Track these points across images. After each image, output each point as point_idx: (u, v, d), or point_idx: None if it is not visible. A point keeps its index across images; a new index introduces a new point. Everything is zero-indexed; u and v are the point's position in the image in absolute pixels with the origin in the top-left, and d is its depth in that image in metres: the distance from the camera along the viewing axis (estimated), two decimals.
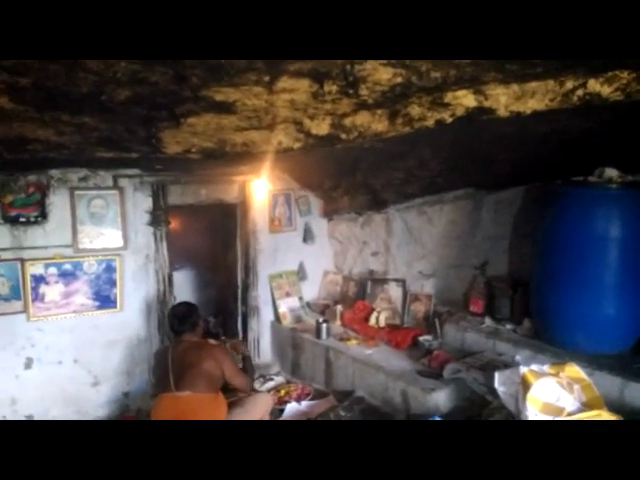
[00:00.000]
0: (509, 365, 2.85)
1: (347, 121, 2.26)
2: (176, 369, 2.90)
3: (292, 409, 3.49)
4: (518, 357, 3.00)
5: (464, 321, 3.66)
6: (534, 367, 2.54)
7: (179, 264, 5.14)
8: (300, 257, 4.71)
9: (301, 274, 4.72)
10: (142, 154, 2.72)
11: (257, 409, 3.10)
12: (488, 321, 3.58)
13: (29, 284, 3.27)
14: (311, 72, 1.75)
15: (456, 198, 3.98)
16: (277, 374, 4.14)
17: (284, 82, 1.82)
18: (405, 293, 4.19)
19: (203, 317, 4.63)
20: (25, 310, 3.28)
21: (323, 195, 4.64)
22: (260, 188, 4.27)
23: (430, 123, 2.12)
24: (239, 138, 2.47)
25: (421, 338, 3.67)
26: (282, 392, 3.73)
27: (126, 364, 3.72)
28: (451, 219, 4.08)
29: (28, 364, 3.36)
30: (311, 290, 4.82)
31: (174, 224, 4.98)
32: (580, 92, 1.85)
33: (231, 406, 3.08)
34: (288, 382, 4.01)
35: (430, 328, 3.79)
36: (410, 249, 4.33)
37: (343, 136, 2.36)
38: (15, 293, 3.24)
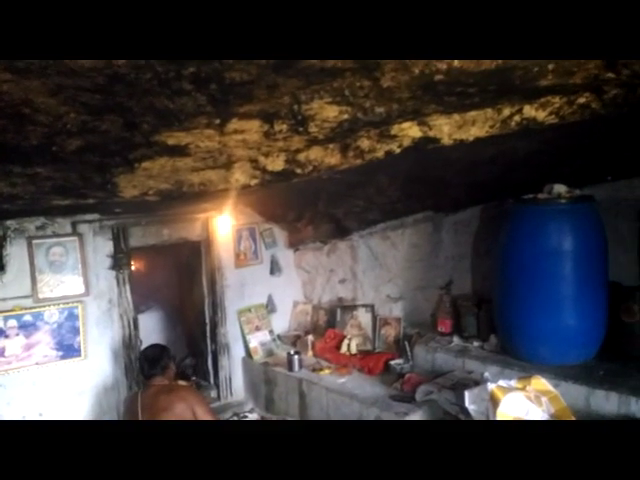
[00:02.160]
0: (479, 382, 2.89)
1: (301, 156, 2.32)
2: (146, 415, 2.83)
3: None
4: (487, 374, 3.05)
5: (433, 342, 3.71)
6: (502, 383, 2.59)
7: (145, 305, 5.06)
8: (268, 289, 4.69)
9: (270, 307, 4.70)
10: (99, 199, 2.71)
11: None
12: (456, 340, 3.64)
13: None
14: (260, 113, 1.80)
15: (416, 221, 4.07)
16: (251, 411, 4.08)
17: (235, 124, 1.86)
18: (374, 318, 4.22)
19: (180, 360, 4.59)
20: None
21: (287, 226, 4.67)
22: (223, 224, 4.27)
23: (380, 154, 2.19)
24: (196, 178, 2.49)
25: (392, 362, 3.69)
26: None
27: (94, 414, 3.60)
28: (413, 242, 4.16)
29: None
30: (282, 322, 4.79)
31: (138, 265, 4.93)
32: (517, 118, 1.96)
33: None
34: (262, 418, 3.95)
35: (401, 351, 3.82)
36: (376, 274, 4.38)
37: (298, 171, 2.40)
38: None
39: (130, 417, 2.94)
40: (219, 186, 2.62)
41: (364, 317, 4.30)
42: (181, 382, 3.46)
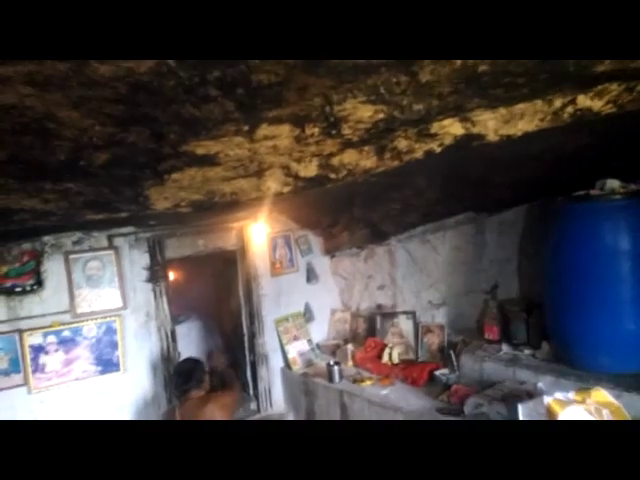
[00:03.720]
0: (532, 394, 2.71)
1: (335, 160, 2.20)
2: None
3: None
4: (540, 384, 2.85)
5: (480, 350, 3.52)
6: (559, 395, 2.40)
7: (183, 316, 5.06)
8: (305, 298, 4.60)
9: (308, 315, 4.60)
10: (132, 212, 2.67)
11: None
12: (505, 347, 3.44)
13: (28, 355, 3.17)
14: (290, 117, 1.70)
15: (458, 223, 3.90)
16: None
17: (264, 129, 1.77)
18: (416, 325, 4.06)
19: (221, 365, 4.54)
20: (26, 383, 3.17)
21: (322, 233, 4.57)
22: (258, 232, 4.21)
23: (419, 155, 2.06)
24: (227, 188, 2.42)
25: (437, 372, 3.53)
26: None
27: None
28: (455, 245, 3.99)
29: None
30: (320, 331, 4.69)
31: (175, 276, 4.93)
32: (570, 109, 1.79)
33: None
34: None
35: (446, 360, 3.65)
36: (416, 279, 4.23)
37: (332, 176, 2.30)
38: (14, 366, 3.14)
39: None
40: (251, 195, 2.54)
41: (405, 324, 4.14)
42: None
